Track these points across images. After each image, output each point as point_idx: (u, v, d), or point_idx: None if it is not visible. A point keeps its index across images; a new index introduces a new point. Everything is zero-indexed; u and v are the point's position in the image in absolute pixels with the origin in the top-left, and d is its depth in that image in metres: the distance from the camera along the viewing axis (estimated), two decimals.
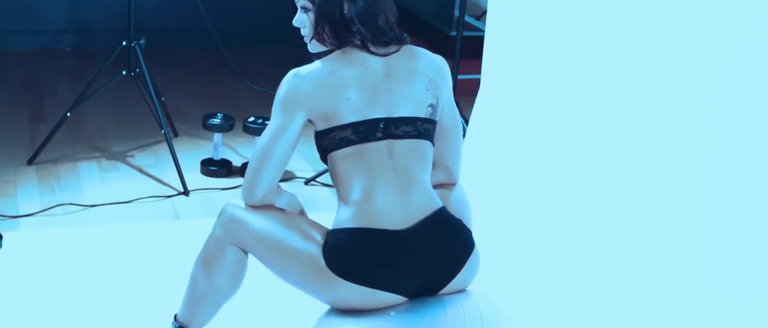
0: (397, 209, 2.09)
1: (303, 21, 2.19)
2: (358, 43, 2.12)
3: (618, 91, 2.91)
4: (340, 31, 2.12)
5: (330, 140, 2.10)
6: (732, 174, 2.55)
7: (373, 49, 2.13)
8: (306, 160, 3.93)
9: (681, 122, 2.69)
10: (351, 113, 2.08)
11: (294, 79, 2.11)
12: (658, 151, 2.77)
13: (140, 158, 3.89)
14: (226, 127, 3.79)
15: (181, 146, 3.95)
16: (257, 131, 3.70)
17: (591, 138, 3.00)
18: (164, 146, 3.79)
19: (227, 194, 3.61)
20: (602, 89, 2.97)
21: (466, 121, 3.79)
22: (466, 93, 4.24)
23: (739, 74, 2.51)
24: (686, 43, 2.65)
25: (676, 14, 2.68)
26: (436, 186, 2.27)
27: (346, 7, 2.11)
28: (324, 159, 2.15)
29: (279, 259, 2.11)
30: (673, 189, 2.69)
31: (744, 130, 2.52)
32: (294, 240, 2.10)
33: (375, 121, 2.09)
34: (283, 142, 2.10)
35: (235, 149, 4.04)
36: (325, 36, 2.14)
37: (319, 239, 2.10)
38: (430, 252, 2.09)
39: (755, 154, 2.50)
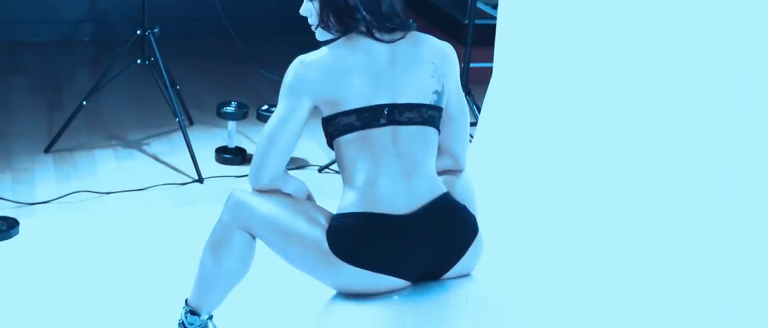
0: (401, 194, 2.11)
1: (309, 10, 2.22)
2: (363, 29, 2.14)
3: (627, 81, 2.91)
4: (344, 19, 2.14)
5: (335, 126, 2.13)
6: (743, 174, 2.55)
7: (378, 35, 2.15)
8: (320, 148, 3.96)
9: (693, 115, 2.69)
10: (355, 99, 2.11)
11: (300, 66, 2.14)
12: (666, 143, 2.77)
13: (155, 146, 3.93)
14: (240, 115, 3.82)
15: (196, 134, 3.99)
16: None
17: (601, 128, 3.01)
18: (179, 134, 3.84)
19: (241, 182, 3.64)
20: (613, 79, 2.97)
21: (479, 109, 3.81)
22: (480, 81, 4.25)
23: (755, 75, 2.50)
24: (704, 34, 2.64)
25: (693, 5, 2.68)
26: (442, 173, 2.29)
27: None
28: (330, 144, 2.18)
29: (284, 243, 2.14)
30: (678, 181, 2.69)
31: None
32: (299, 224, 2.13)
33: (379, 107, 2.12)
34: (289, 127, 2.13)
35: (249, 137, 4.08)
36: (330, 24, 2.17)
37: (324, 223, 2.13)
38: (433, 237, 2.11)
39: None
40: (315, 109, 2.17)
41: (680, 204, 2.68)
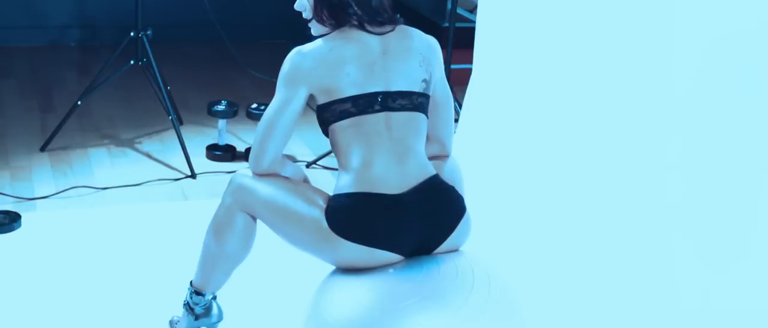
0: (394, 176, 2.25)
1: (303, 5, 2.35)
2: (355, 22, 2.28)
3: (602, 80, 3.08)
4: (337, 13, 2.28)
5: (331, 113, 2.27)
6: (708, 165, 2.72)
7: (369, 28, 2.28)
8: (307, 145, 4.09)
9: (660, 111, 2.85)
10: (350, 87, 2.25)
11: (297, 56, 2.27)
12: (634, 133, 2.94)
13: (148, 145, 4.05)
14: (231, 113, 3.95)
15: (187, 133, 4.09)
16: (260, 117, 3.85)
17: (572, 122, 3.18)
18: (171, 133, 3.96)
19: None
20: (586, 78, 3.14)
21: (460, 106, 3.96)
22: (459, 82, 4.39)
23: (716, 66, 2.67)
24: (674, 33, 2.80)
25: (661, 5, 2.84)
26: (431, 158, 2.42)
27: None
28: (325, 131, 2.30)
29: (284, 223, 2.27)
30: (649, 166, 2.87)
31: (722, 120, 2.68)
32: (298, 205, 2.26)
33: (373, 95, 2.26)
34: (287, 114, 2.27)
35: (239, 136, 4.20)
36: (324, 17, 2.30)
37: (322, 203, 2.26)
38: (425, 215, 2.25)
39: (727, 146, 2.66)
40: (310, 98, 2.31)
41: (644, 188, 2.85)
